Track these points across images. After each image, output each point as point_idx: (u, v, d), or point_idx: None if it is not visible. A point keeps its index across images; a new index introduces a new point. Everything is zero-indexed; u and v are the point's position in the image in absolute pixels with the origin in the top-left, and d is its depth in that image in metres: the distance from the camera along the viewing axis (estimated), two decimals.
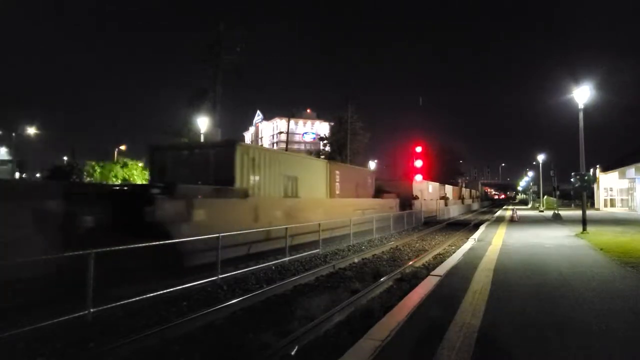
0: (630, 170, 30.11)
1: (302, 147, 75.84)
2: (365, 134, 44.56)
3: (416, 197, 28.90)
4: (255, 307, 7.02)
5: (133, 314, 6.38)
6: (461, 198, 53.16)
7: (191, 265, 8.67)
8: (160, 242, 8.02)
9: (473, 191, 74.94)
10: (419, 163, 32.95)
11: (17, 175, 38.60)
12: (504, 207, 56.87)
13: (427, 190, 34.03)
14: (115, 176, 28.96)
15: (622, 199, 36.68)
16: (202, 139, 21.79)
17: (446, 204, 38.57)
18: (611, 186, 38.63)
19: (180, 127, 30.57)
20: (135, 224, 8.01)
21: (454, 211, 41.81)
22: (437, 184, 40.07)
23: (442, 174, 58.93)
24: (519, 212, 28.99)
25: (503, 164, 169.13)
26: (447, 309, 4.98)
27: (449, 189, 45.86)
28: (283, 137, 62.55)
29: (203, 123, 24.08)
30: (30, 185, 13.82)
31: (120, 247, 6.98)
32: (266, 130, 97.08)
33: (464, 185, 70.99)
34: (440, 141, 68.24)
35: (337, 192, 18.17)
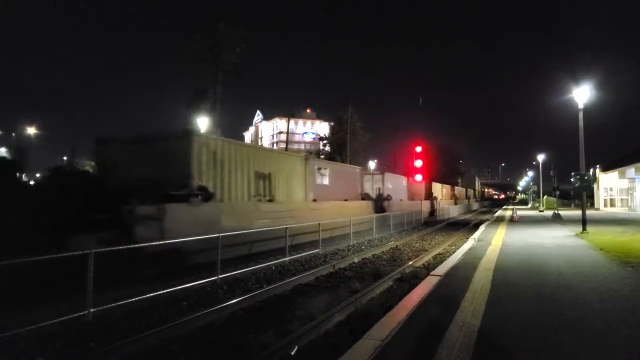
0: (630, 170, 30.13)
1: (302, 147, 75.84)
2: (365, 134, 44.72)
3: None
4: (255, 307, 7.02)
5: (133, 314, 6.38)
6: (431, 198, 34.93)
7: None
8: (167, 242, 8.05)
9: (458, 190, 59.79)
10: (418, 163, 32.80)
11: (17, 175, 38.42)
12: (503, 207, 56.86)
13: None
14: None
15: (622, 199, 36.69)
16: None
17: (383, 208, 22.12)
18: (611, 186, 38.63)
19: (181, 127, 30.56)
20: None
21: (454, 211, 41.72)
22: (355, 168, 24.24)
23: (442, 174, 58.94)
24: (519, 212, 28.97)
25: (503, 164, 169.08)
26: (447, 309, 4.98)
27: (397, 183, 28.75)
28: (283, 137, 62.64)
29: (203, 123, 24.13)
30: None
31: (121, 247, 7.01)
32: (266, 130, 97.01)
33: (459, 184, 67.70)
34: (440, 141, 68.27)
35: None
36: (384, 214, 20.84)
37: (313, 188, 17.03)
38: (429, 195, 34.70)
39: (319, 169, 18.31)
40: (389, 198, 24.35)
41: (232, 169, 12.28)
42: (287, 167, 15.50)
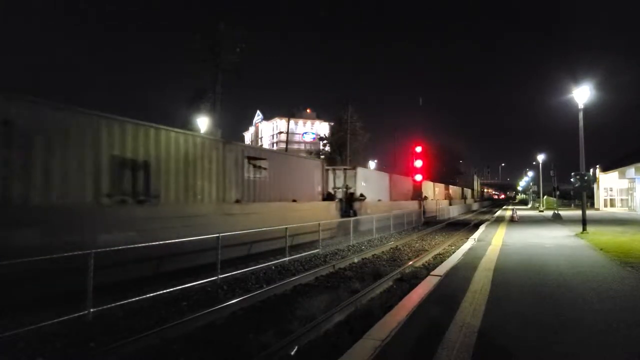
0: (630, 170, 30.14)
1: (302, 147, 75.88)
2: (365, 134, 44.86)
3: None
4: (255, 307, 7.02)
5: (133, 314, 6.39)
6: (419, 198, 31.04)
7: None
8: (162, 242, 8.04)
9: (453, 189, 54.80)
10: (418, 163, 32.58)
11: None
12: (503, 207, 56.90)
13: None
14: None
15: (622, 199, 36.70)
16: None
17: (354, 211, 19.36)
18: (611, 186, 38.65)
19: (181, 127, 30.66)
20: None
21: (453, 211, 41.64)
22: (313, 160, 21.79)
23: (442, 173, 58.98)
24: (519, 212, 28.98)
25: (503, 164, 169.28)
26: (447, 309, 4.98)
27: (375, 180, 25.17)
28: (283, 137, 62.69)
29: (203, 123, 24.14)
30: None
31: (121, 247, 7.01)
32: (266, 130, 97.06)
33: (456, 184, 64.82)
34: (440, 141, 68.40)
35: None
36: (352, 218, 17.22)
37: (239, 184, 12.89)
38: (418, 195, 32.09)
39: (252, 158, 13.65)
40: (362, 198, 20.97)
41: (57, 151, 7.73)
42: (187, 154, 10.74)
